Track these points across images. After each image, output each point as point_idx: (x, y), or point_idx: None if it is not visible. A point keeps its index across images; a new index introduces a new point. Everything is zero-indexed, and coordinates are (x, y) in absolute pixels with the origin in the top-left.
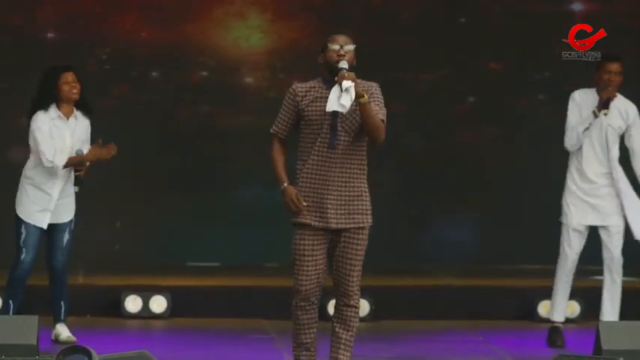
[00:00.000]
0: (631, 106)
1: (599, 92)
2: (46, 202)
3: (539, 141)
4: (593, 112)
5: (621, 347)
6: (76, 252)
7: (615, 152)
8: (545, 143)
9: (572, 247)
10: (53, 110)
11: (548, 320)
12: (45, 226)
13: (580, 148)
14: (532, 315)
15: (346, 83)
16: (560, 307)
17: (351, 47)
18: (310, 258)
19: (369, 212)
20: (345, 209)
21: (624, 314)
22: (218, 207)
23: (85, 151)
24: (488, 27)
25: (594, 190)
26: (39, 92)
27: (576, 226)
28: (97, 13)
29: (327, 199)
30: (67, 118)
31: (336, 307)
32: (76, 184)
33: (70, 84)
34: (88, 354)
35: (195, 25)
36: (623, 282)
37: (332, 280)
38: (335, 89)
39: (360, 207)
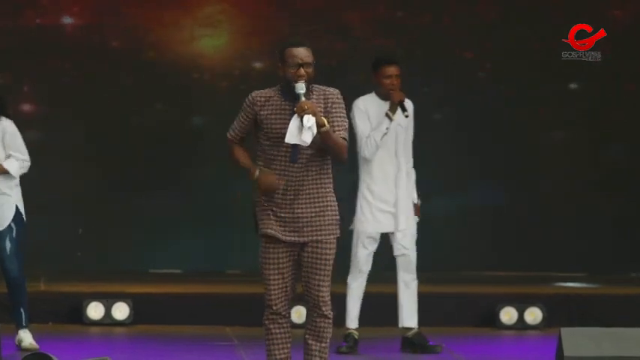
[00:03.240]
0: (408, 101)
1: (381, 97)
2: None
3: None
4: (387, 115)
5: (583, 354)
6: (37, 259)
7: (404, 153)
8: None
9: (365, 255)
10: None
11: (510, 327)
12: None
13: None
14: (494, 322)
15: (308, 120)
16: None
17: (311, 67)
18: (277, 271)
19: (337, 223)
20: (314, 222)
21: (586, 321)
22: (180, 214)
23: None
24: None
25: (388, 195)
26: None
27: (371, 233)
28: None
29: (295, 212)
30: None
31: (308, 318)
32: None
33: None
34: None
35: (157, 25)
36: (586, 288)
37: (303, 290)
38: (295, 120)
39: (329, 219)
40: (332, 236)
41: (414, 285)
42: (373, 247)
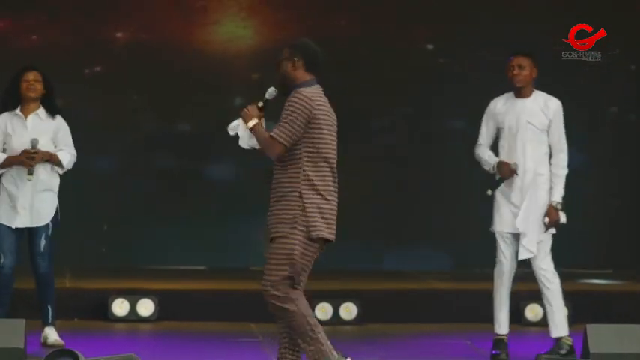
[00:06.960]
0: (552, 100)
1: (514, 93)
2: (14, 202)
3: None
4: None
5: (609, 350)
6: (63, 255)
7: (533, 153)
8: None
9: (505, 254)
10: (18, 109)
11: (535, 323)
12: (14, 226)
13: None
14: (519, 318)
15: (235, 123)
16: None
17: (277, 67)
18: None
19: (289, 222)
20: (272, 216)
21: (613, 317)
22: (204, 210)
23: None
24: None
25: (512, 196)
26: (5, 92)
27: (501, 232)
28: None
29: (270, 209)
30: (26, 117)
31: None
32: (28, 173)
33: (28, 82)
34: (76, 357)
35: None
36: (611, 285)
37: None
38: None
39: (282, 217)
40: (277, 234)
41: (548, 292)
42: (509, 245)
